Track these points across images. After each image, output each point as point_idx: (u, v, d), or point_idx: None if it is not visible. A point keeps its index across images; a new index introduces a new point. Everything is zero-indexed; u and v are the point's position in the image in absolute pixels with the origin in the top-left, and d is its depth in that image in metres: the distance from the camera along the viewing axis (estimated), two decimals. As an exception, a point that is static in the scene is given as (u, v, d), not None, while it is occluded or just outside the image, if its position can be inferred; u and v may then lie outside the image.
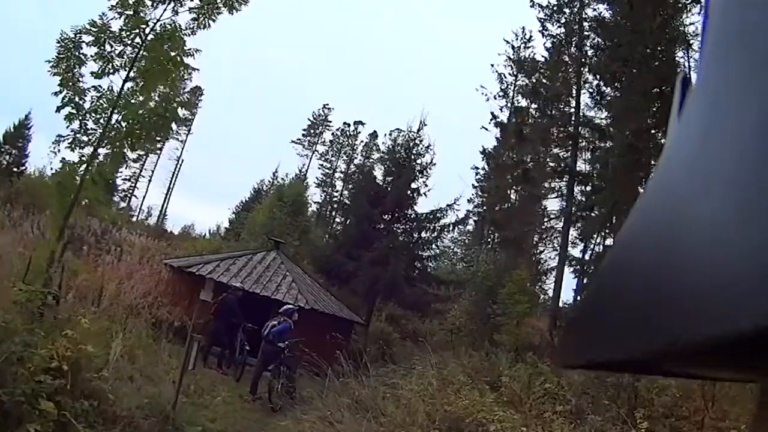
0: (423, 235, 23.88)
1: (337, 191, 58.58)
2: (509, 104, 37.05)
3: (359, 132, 60.55)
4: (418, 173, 24.29)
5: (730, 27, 0.33)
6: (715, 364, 0.31)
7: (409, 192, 23.63)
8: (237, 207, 41.35)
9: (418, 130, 24.50)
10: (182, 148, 62.53)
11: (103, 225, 28.28)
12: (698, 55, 0.43)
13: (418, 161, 24.28)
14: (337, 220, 54.06)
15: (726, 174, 0.26)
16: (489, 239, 32.80)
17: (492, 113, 34.14)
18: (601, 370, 0.48)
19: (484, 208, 33.46)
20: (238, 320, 14.24)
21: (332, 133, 61.87)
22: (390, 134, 24.62)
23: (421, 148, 24.51)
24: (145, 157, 61.19)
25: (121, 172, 58.30)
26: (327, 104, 63.46)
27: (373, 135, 56.78)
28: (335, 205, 52.99)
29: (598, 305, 0.40)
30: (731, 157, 0.27)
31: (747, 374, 0.34)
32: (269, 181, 44.03)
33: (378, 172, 25.34)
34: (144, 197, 61.32)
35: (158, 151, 61.39)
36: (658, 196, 0.37)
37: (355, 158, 57.39)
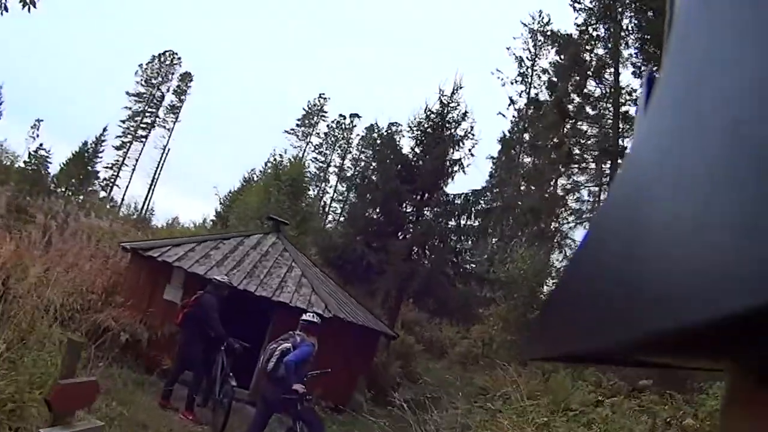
0: (461, 222, 18.57)
1: (330, 186, 55.92)
2: (527, 89, 35.33)
3: (355, 125, 57.89)
4: (455, 143, 19.02)
5: (693, 22, 0.33)
6: (686, 353, 0.32)
7: (447, 164, 18.34)
8: (225, 198, 35.99)
9: (452, 94, 19.17)
10: (169, 137, 58.95)
11: (69, 208, 23.38)
12: (663, 51, 0.42)
13: (455, 130, 19.21)
14: (337, 211, 49.53)
15: (691, 167, 0.27)
16: (524, 231, 27.66)
17: (510, 98, 34.32)
18: (571, 362, 0.49)
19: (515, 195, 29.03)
20: (219, 333, 8.83)
21: (327, 125, 58.91)
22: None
23: (457, 115, 19.19)
24: (128, 144, 57.37)
25: (101, 158, 54.35)
26: (323, 93, 60.13)
27: (370, 129, 55.17)
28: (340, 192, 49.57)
29: (569, 297, 0.40)
30: (696, 152, 0.27)
31: (715, 363, 0.34)
32: (261, 170, 39.33)
33: (405, 144, 19.83)
34: (126, 188, 57.29)
35: (143, 139, 58.18)
36: (627, 189, 0.37)
37: (350, 152, 55.51)
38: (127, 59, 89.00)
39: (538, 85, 33.68)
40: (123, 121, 56.74)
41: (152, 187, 54.95)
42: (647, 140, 0.36)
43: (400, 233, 17.75)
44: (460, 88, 19.34)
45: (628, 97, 25.47)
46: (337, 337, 10.31)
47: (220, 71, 79.67)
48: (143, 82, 59.12)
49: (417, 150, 18.90)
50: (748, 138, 0.21)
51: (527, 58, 36.27)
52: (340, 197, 50.45)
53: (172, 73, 60.67)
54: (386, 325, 14.39)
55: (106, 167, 55.89)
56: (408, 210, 18.09)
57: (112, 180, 56.10)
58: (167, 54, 60.03)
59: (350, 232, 18.67)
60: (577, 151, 27.05)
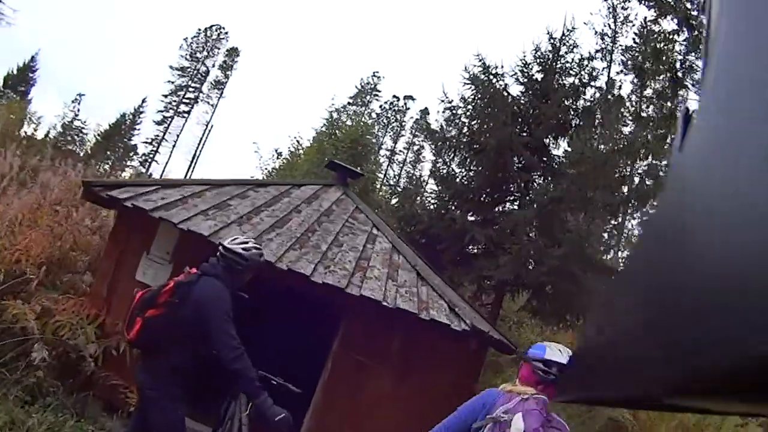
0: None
1: (382, 171, 50.91)
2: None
3: (409, 108, 56.11)
4: (575, 90, 13.76)
5: (733, 31, 0.32)
6: (725, 397, 0.30)
7: (569, 115, 13.14)
8: (268, 160, 31.22)
9: (561, 39, 14.01)
10: (212, 113, 56.14)
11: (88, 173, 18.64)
12: (704, 60, 0.41)
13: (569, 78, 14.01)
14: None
15: (728, 207, 0.26)
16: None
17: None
18: (600, 405, 0.47)
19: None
20: (235, 361, 3.59)
21: (380, 106, 56.42)
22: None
23: (572, 61, 14.06)
24: (170, 119, 54.67)
25: (138, 131, 51.63)
26: (377, 72, 56.70)
27: (425, 111, 52.50)
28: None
29: (603, 342, 0.40)
30: (731, 194, 0.26)
31: (759, 408, 0.33)
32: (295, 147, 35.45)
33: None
34: (166, 164, 54.65)
35: (185, 115, 55.66)
36: (660, 232, 0.36)
37: (403, 135, 54.60)
38: (172, 33, 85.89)
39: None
40: (165, 96, 54.81)
41: (193, 163, 51.64)
42: (681, 179, 0.35)
43: (515, 201, 12.29)
44: (573, 29, 14.14)
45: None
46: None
47: (269, 47, 75.68)
48: (188, 56, 56.85)
49: (527, 98, 13.37)
50: None
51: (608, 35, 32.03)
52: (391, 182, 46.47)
53: (219, 48, 58.49)
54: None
55: (146, 142, 54.25)
56: (523, 171, 12.54)
57: (152, 155, 53.74)
58: (214, 28, 58.17)
59: (442, 200, 13.18)
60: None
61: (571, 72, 14.09)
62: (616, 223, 15.83)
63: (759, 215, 0.21)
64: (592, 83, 14.55)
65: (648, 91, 26.84)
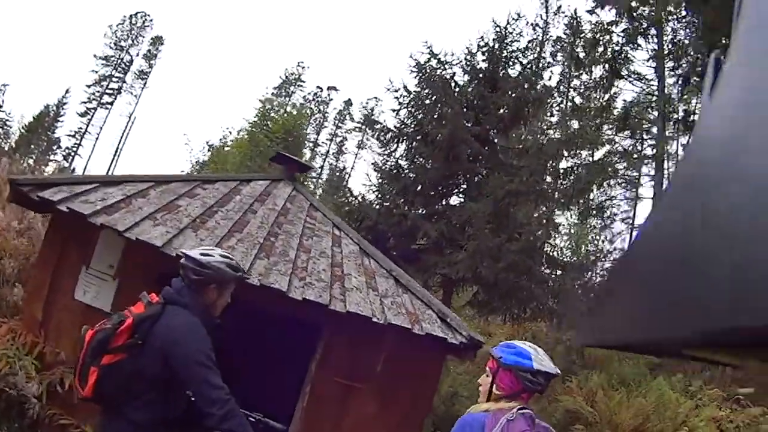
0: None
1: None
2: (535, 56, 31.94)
3: (332, 99, 55.51)
4: (526, 80, 13.50)
5: (763, 12, 0.32)
6: (743, 353, 0.30)
7: (518, 106, 12.80)
8: (199, 153, 30.23)
9: (506, 27, 13.85)
10: (136, 104, 54.21)
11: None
12: (732, 34, 0.39)
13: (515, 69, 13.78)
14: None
15: (759, 161, 0.26)
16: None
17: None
18: (622, 350, 0.48)
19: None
20: (219, 407, 2.74)
21: (303, 96, 55.12)
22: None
23: (517, 50, 13.99)
24: (93, 111, 52.40)
25: (62, 123, 49.63)
26: (301, 62, 56.05)
27: (348, 102, 53.76)
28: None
29: (627, 287, 0.40)
30: (763, 144, 0.26)
31: None
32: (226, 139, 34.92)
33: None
34: (89, 157, 52.41)
35: (108, 106, 53.28)
36: (689, 181, 0.36)
37: (326, 127, 53.82)
38: (99, 19, 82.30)
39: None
40: (89, 86, 52.38)
41: (116, 157, 49.51)
42: (713, 130, 0.34)
43: (466, 194, 11.99)
44: (519, 17, 14.10)
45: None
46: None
47: (194, 36, 73.55)
48: (112, 45, 54.49)
49: (473, 88, 13.12)
50: None
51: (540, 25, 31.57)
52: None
53: (143, 36, 56.35)
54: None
55: (69, 135, 51.90)
56: (474, 163, 12.27)
57: (75, 149, 51.27)
58: (139, 15, 56.67)
59: (388, 195, 12.69)
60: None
61: (517, 61, 14.00)
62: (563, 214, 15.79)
63: None
64: (541, 73, 14.58)
65: (576, 82, 27.30)
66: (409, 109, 13.31)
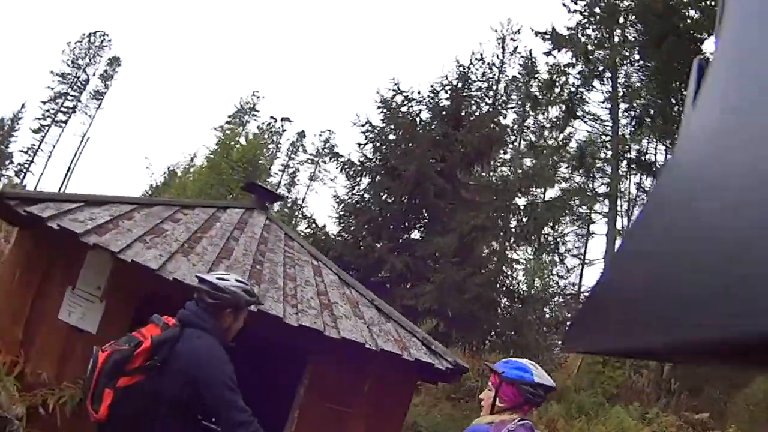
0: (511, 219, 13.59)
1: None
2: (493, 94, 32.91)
3: (285, 130, 55.11)
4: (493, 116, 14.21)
5: (746, 19, 0.32)
6: (731, 359, 0.29)
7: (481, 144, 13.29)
8: (146, 192, 29.88)
9: (469, 67, 14.79)
10: (90, 124, 52.90)
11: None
12: (714, 39, 0.39)
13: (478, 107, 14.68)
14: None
15: (742, 166, 0.26)
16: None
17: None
18: (614, 355, 0.49)
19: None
20: (243, 421, 2.83)
21: (258, 126, 54.29)
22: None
23: (483, 88, 15.08)
24: (47, 128, 51.31)
25: (16, 138, 48.37)
26: (257, 91, 56.34)
27: (301, 134, 53.74)
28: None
29: (614, 293, 0.40)
30: (746, 149, 0.26)
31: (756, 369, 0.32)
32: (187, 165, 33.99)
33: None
34: (41, 175, 50.90)
35: (62, 124, 52.43)
36: (674, 185, 0.36)
37: (278, 157, 53.26)
38: (58, 34, 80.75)
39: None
40: (44, 102, 51.56)
41: (68, 176, 48.40)
42: (695, 135, 0.34)
43: (432, 227, 12.29)
44: (480, 59, 15.30)
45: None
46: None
47: (152, 59, 72.98)
48: (69, 62, 53.48)
49: (438, 126, 13.62)
50: None
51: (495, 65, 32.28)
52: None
53: (101, 56, 55.35)
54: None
55: (22, 151, 50.15)
56: (438, 198, 12.61)
57: (27, 165, 49.83)
58: (98, 34, 55.79)
59: (353, 227, 12.87)
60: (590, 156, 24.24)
61: (479, 100, 14.52)
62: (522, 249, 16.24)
63: None
64: (503, 112, 15.15)
65: (530, 121, 27.99)
66: (375, 143, 13.62)
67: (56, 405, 4.60)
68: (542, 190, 22.68)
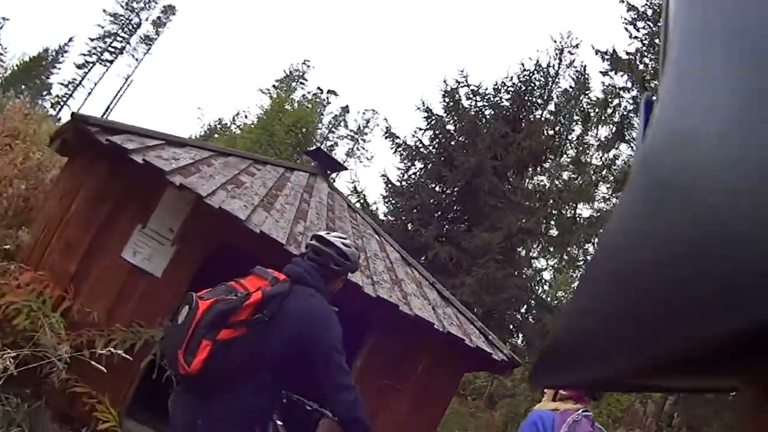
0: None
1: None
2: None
3: (330, 102, 53.75)
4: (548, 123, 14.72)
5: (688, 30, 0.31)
6: (701, 372, 0.29)
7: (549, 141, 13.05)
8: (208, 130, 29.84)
9: (533, 72, 14.90)
10: (135, 67, 52.60)
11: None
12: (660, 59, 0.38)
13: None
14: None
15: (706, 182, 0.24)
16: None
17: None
18: (579, 388, 0.65)
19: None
20: (353, 399, 2.69)
21: (303, 95, 52.13)
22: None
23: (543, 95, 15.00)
24: (91, 65, 51.29)
25: (58, 71, 48.28)
26: (308, 60, 55.71)
27: (345, 109, 52.75)
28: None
29: (577, 324, 0.38)
30: (695, 184, 0.25)
31: (730, 381, 0.32)
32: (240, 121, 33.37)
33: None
34: (78, 110, 49.86)
35: (107, 64, 52.10)
36: (635, 205, 0.33)
37: (319, 129, 51.63)
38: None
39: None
40: (92, 39, 51.28)
41: (106, 115, 48.35)
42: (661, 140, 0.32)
43: (478, 223, 12.11)
44: (540, 67, 15.12)
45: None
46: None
47: (204, 13, 73.19)
48: (123, 4, 53.29)
49: (499, 124, 13.44)
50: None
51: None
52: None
53: (156, 2, 54.89)
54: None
55: (62, 83, 50.48)
56: (491, 196, 12.43)
57: (65, 99, 49.50)
58: None
59: (402, 210, 12.76)
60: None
61: (539, 107, 14.40)
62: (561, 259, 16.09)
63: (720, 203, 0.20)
64: (560, 121, 14.99)
65: (573, 135, 27.74)
66: (435, 130, 13.48)
67: (104, 348, 4.19)
68: (581, 205, 22.59)
